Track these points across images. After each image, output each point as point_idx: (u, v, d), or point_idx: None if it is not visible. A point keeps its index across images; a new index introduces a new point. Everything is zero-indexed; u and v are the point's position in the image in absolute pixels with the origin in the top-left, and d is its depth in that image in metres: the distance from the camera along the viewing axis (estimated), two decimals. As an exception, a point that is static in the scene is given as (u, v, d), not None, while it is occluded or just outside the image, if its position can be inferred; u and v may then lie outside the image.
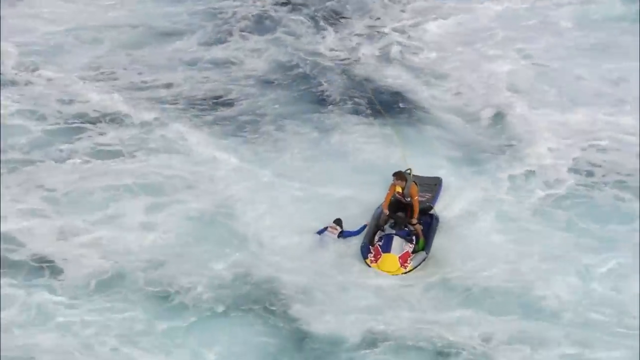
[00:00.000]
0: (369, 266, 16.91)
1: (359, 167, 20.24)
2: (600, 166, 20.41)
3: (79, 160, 20.38)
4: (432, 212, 18.11)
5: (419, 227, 17.52)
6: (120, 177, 19.67)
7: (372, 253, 17.11)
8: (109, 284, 16.88)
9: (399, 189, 17.61)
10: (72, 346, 15.63)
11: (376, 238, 17.43)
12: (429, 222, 17.86)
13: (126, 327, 15.96)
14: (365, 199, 18.83)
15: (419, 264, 16.95)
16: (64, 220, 18.41)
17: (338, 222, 17.79)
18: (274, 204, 18.90)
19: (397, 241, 17.15)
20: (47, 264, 17.26)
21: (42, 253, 17.51)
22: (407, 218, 17.54)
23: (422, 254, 17.18)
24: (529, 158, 20.56)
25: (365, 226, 17.74)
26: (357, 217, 18.31)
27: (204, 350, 15.57)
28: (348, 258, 17.39)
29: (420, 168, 19.16)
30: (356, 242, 17.67)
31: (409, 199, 17.60)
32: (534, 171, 20.04)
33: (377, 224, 17.77)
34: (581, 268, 17.26)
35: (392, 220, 17.54)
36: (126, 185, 19.40)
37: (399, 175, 17.66)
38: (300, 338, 15.72)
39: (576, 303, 16.49)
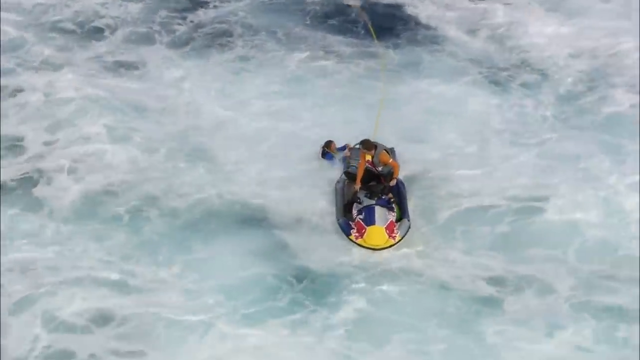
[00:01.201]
0: (355, 243, 15.61)
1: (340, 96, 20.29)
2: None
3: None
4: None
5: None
6: (93, 96, 19.86)
7: (354, 229, 15.81)
8: (93, 202, 16.96)
9: (368, 158, 16.45)
10: (65, 261, 15.62)
11: (354, 212, 16.15)
12: (397, 189, 16.61)
13: (110, 252, 15.84)
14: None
15: (406, 233, 15.73)
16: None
17: (328, 144, 17.80)
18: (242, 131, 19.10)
19: (379, 211, 15.88)
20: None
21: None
22: (381, 185, 16.36)
23: (405, 222, 15.93)
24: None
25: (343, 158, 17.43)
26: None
27: (200, 282, 15.28)
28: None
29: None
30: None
31: (380, 168, 16.45)
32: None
33: (347, 200, 16.50)
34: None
35: (365, 192, 16.41)
36: (99, 105, 19.61)
37: (367, 144, 16.47)
38: (296, 268, 15.52)
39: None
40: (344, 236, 15.83)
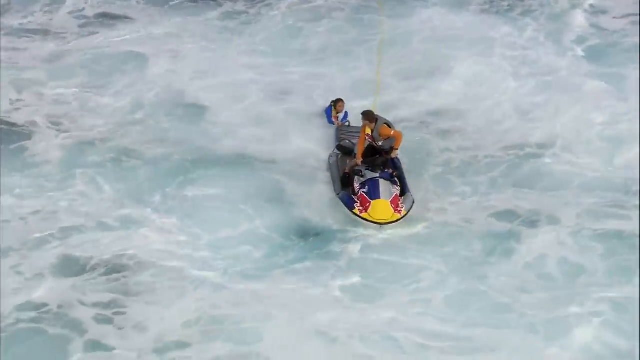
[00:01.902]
0: (359, 217, 14.81)
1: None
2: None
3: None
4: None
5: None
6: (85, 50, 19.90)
7: (357, 202, 14.98)
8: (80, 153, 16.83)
9: (368, 131, 15.49)
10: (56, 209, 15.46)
11: (356, 185, 15.30)
12: (393, 163, 15.80)
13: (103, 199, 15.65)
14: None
15: (411, 207, 14.97)
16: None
17: (335, 102, 17.44)
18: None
19: (384, 185, 15.05)
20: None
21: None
22: (382, 157, 15.50)
23: (409, 196, 15.19)
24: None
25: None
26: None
27: (194, 232, 14.99)
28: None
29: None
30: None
31: (380, 143, 15.52)
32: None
33: (342, 173, 15.72)
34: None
35: (366, 165, 15.51)
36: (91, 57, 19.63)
37: (368, 115, 15.52)
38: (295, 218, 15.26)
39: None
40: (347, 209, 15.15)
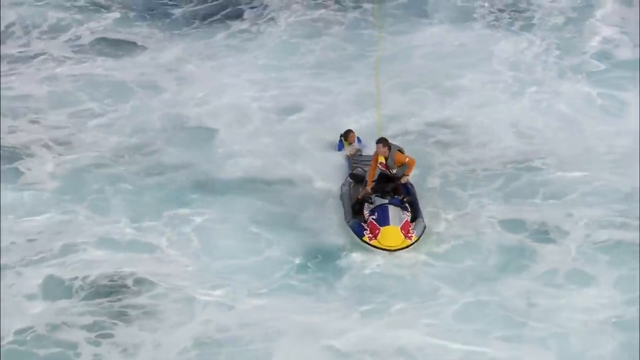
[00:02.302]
0: (369, 244, 14.76)
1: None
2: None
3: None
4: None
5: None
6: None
7: (367, 230, 14.93)
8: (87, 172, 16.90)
9: (382, 160, 15.37)
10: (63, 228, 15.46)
11: (366, 212, 15.24)
12: (406, 189, 15.68)
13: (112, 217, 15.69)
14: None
15: (422, 233, 14.93)
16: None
17: (346, 134, 17.28)
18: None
19: (393, 211, 15.00)
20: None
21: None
22: (392, 183, 15.41)
23: (420, 221, 15.11)
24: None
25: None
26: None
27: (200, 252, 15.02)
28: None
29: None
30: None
31: (394, 171, 15.40)
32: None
33: (354, 201, 15.60)
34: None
35: (376, 193, 15.43)
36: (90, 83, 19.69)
37: (384, 142, 15.36)
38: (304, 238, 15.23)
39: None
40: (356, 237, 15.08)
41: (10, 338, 13.22)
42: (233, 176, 16.82)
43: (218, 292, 14.11)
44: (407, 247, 14.77)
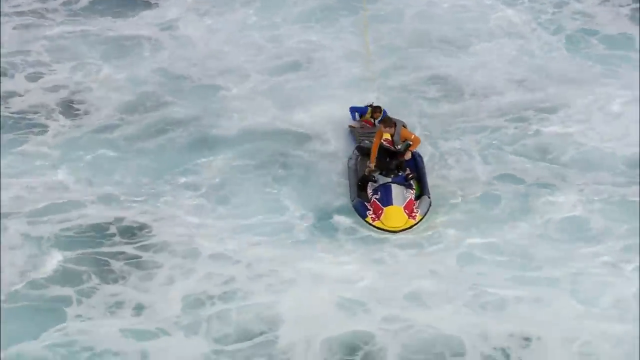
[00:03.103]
0: (372, 225, 14.25)
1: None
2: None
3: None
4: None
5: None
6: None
7: (370, 210, 14.39)
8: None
9: (387, 136, 14.90)
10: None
11: (369, 191, 14.71)
12: (414, 163, 15.18)
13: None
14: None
15: (427, 211, 14.41)
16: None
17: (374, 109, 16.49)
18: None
19: (396, 189, 14.48)
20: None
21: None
22: (396, 160, 14.92)
23: (425, 198, 14.58)
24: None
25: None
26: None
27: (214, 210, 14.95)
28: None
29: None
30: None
31: (399, 146, 14.95)
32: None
33: (360, 177, 15.06)
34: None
35: (380, 170, 14.91)
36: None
37: (387, 122, 14.93)
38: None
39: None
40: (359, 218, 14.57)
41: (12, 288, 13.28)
42: (234, 132, 16.74)
43: (226, 246, 14.05)
44: (411, 227, 14.28)
